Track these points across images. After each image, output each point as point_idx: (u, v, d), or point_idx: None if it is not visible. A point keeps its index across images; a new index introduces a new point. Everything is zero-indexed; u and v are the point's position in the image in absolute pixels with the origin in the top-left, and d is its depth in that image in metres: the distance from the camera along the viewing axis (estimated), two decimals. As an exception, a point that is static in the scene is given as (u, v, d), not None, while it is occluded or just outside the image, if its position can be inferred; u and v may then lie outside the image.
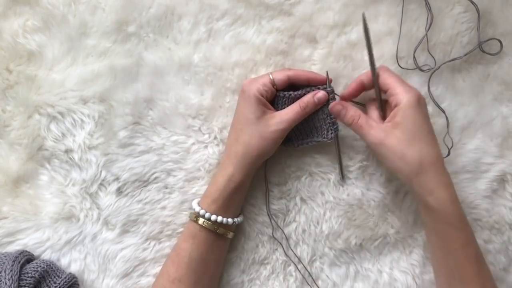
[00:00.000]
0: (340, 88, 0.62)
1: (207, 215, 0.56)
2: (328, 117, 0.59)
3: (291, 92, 0.59)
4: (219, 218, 0.56)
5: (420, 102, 0.53)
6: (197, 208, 0.57)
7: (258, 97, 0.56)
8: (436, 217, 0.53)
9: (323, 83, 0.58)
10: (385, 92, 0.55)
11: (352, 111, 0.56)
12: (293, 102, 0.58)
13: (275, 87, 0.58)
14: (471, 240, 0.54)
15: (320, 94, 0.57)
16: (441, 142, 0.61)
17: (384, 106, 0.57)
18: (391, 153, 0.52)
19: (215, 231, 0.56)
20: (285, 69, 0.59)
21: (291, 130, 0.59)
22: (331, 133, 0.60)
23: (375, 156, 0.62)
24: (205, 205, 0.57)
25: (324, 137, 0.60)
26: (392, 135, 0.52)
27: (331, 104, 0.57)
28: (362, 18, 0.52)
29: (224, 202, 0.57)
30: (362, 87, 0.57)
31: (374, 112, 0.57)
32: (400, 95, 0.52)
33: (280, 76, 0.57)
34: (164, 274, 0.57)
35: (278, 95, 0.59)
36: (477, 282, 0.53)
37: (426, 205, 0.53)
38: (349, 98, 0.58)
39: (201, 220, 0.56)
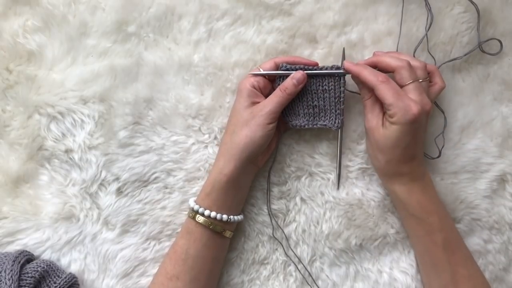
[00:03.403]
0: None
1: (200, 210, 0.56)
2: (339, 102, 0.58)
3: (301, 67, 0.58)
4: (213, 214, 0.56)
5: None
6: (192, 204, 0.58)
7: (248, 89, 0.57)
8: (398, 205, 0.59)
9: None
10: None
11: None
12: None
13: (266, 77, 0.59)
14: (436, 228, 0.56)
15: (297, 74, 0.57)
16: (433, 142, 0.61)
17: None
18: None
19: (209, 227, 0.56)
20: (272, 58, 0.60)
21: (300, 109, 0.59)
22: (338, 122, 0.59)
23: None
24: (199, 201, 0.58)
25: (332, 123, 0.59)
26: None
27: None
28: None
29: (218, 196, 0.57)
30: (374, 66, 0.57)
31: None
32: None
33: (267, 64, 0.59)
34: (162, 271, 0.57)
35: (291, 69, 0.58)
36: (448, 268, 0.55)
37: (394, 192, 0.58)
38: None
39: (196, 216, 0.56)
